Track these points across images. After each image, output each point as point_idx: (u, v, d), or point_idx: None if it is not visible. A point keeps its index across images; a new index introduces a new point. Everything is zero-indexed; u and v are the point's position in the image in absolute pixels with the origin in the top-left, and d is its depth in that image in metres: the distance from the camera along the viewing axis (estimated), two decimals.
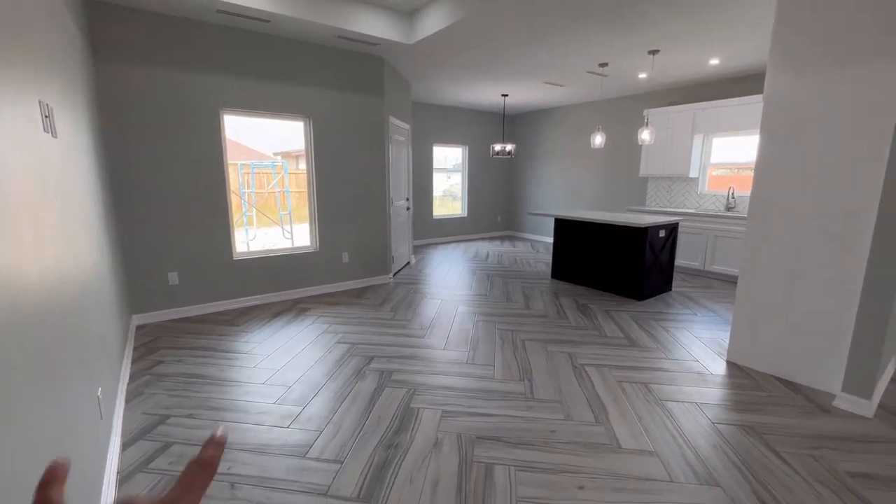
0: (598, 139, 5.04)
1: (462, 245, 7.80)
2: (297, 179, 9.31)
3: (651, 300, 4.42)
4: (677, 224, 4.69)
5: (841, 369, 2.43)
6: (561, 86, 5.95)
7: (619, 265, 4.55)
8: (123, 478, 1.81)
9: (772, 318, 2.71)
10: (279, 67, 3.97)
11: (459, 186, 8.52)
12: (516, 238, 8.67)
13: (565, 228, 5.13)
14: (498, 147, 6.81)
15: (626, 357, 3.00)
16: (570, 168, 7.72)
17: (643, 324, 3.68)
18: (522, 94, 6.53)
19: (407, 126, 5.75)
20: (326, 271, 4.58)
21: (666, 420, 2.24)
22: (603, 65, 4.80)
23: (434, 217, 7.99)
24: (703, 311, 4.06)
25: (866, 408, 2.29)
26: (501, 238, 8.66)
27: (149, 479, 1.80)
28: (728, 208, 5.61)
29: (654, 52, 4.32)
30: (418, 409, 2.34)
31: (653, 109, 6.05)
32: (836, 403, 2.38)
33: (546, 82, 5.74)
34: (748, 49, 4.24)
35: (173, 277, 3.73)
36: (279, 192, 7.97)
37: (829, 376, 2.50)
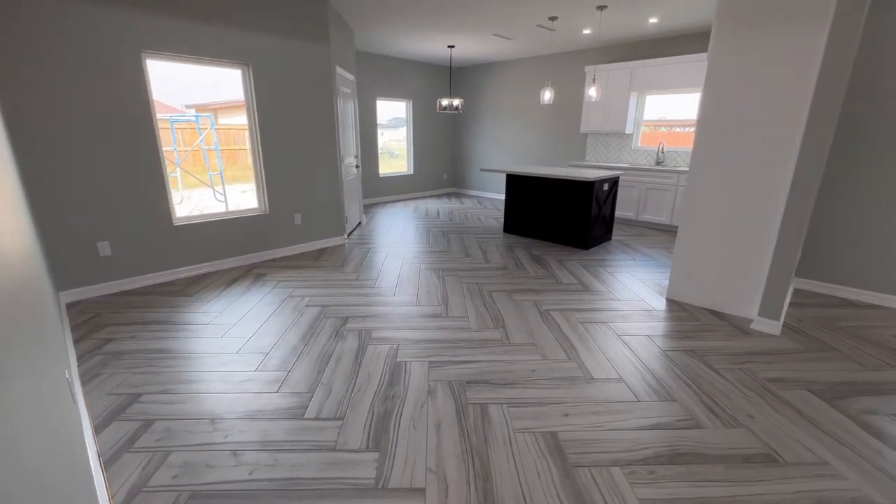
0: (548, 95, 5.15)
1: (411, 203, 7.74)
2: (224, 135, 8.45)
3: (596, 248, 4.81)
4: (618, 178, 5.05)
5: (757, 299, 2.90)
6: (509, 39, 5.90)
7: (567, 218, 4.85)
8: (108, 460, 1.71)
9: (705, 260, 3.11)
10: (212, 5, 3.49)
11: (396, 143, 8.30)
12: (463, 195, 8.77)
13: (516, 184, 5.30)
14: (445, 102, 6.69)
15: (584, 301, 3.30)
16: (516, 124, 7.83)
17: (593, 270, 4.02)
18: (469, 46, 6.38)
19: (352, 77, 5.41)
20: (279, 234, 4.35)
21: (625, 351, 2.55)
22: (552, 18, 4.83)
23: (380, 175, 7.78)
24: (641, 256, 4.52)
25: (775, 327, 2.78)
26: (448, 195, 8.71)
27: (138, 458, 1.72)
28: (658, 162, 6.13)
29: (601, 7, 4.42)
30: (405, 362, 2.42)
31: (592, 66, 6.25)
32: (753, 326, 2.85)
33: (495, 34, 5.65)
34: (686, 9, 4.49)
35: (104, 248, 3.33)
36: (206, 149, 7.21)
37: (747, 305, 2.98)
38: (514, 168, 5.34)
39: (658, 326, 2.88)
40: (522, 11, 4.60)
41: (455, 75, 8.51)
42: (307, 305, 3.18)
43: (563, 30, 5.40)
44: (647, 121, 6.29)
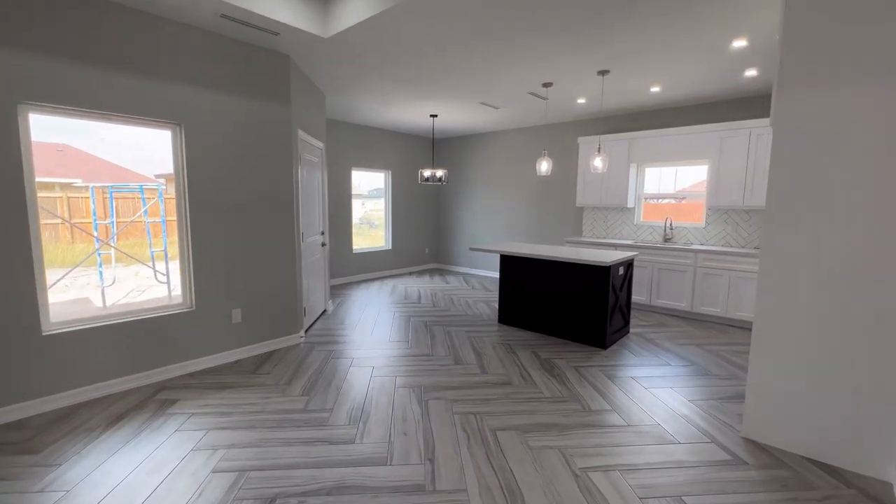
0: (545, 165, 4.53)
1: (388, 282, 6.79)
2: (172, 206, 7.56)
3: (614, 347, 3.89)
4: (633, 259, 4.29)
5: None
6: (497, 108, 5.44)
7: (578, 309, 3.96)
8: None
9: (798, 381, 2.21)
10: (130, 51, 2.75)
11: (376, 213, 7.57)
12: (447, 272, 7.92)
13: (513, 266, 4.47)
14: (427, 173, 6.06)
15: (629, 445, 2.29)
16: (504, 197, 7.25)
17: (623, 385, 3.05)
18: (453, 115, 5.91)
19: (321, 145, 4.71)
20: (208, 338, 3.28)
21: None
22: (547, 85, 4.34)
23: (354, 251, 6.90)
24: (674, 358, 3.60)
25: None
26: (430, 272, 7.83)
27: None
28: (666, 239, 5.48)
29: (603, 73, 3.95)
30: None
31: (587, 137, 5.81)
32: None
33: (482, 103, 5.17)
34: (689, 77, 4.07)
35: None
36: (150, 222, 6.25)
37: (879, 456, 2.03)
38: (509, 247, 4.54)
39: (760, 501, 1.87)
40: (516, 77, 4.10)
41: (438, 145, 8.07)
42: (216, 470, 2.06)
43: (556, 99, 4.96)
44: (649, 194, 5.74)
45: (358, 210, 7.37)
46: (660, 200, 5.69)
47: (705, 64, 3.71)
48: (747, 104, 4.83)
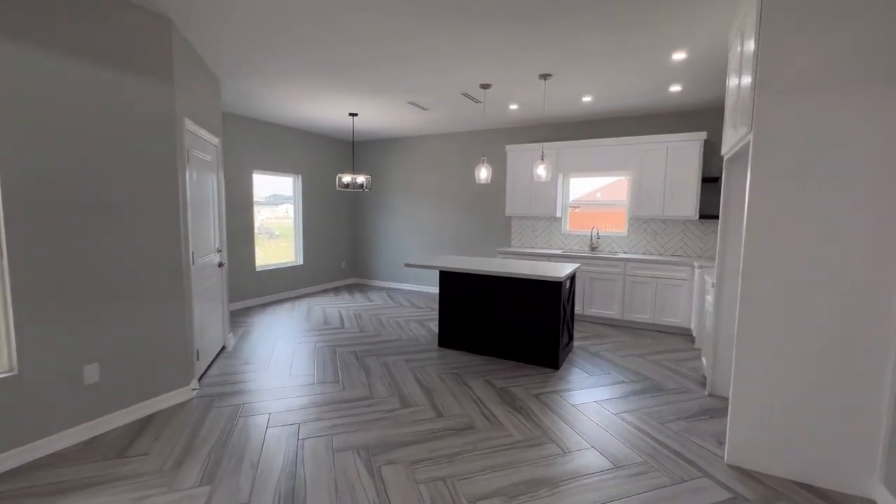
0: (484, 173, 4.20)
1: (301, 303, 5.88)
2: None
3: (565, 364, 3.67)
4: (576, 271, 4.16)
5: (874, 462, 1.94)
6: (425, 109, 5.00)
7: (528, 328, 3.67)
8: None
9: (780, 403, 2.11)
10: None
11: (275, 222, 6.60)
12: (368, 287, 7.21)
13: (454, 283, 4.04)
14: (347, 178, 5.37)
15: (631, 497, 1.97)
16: (430, 206, 6.82)
17: (591, 413, 2.79)
18: (376, 115, 5.32)
19: (216, 141, 3.78)
20: (41, 410, 2.24)
21: None
22: (485, 86, 4.03)
23: (258, 269, 5.86)
24: (623, 372, 3.49)
25: None
26: (350, 289, 7.05)
27: None
28: (592, 248, 5.55)
29: (545, 77, 3.75)
30: None
31: (515, 146, 5.68)
32: None
33: (411, 103, 4.69)
34: (622, 89, 4.09)
35: None
36: None
37: (860, 473, 1.99)
38: (450, 263, 4.10)
39: None
40: (453, 75, 3.71)
41: (359, 149, 7.36)
42: None
43: (489, 103, 4.69)
44: (574, 203, 5.79)
45: (256, 216, 6.30)
46: (578, 208, 5.77)
47: (638, 76, 3.71)
48: (667, 119, 5.09)
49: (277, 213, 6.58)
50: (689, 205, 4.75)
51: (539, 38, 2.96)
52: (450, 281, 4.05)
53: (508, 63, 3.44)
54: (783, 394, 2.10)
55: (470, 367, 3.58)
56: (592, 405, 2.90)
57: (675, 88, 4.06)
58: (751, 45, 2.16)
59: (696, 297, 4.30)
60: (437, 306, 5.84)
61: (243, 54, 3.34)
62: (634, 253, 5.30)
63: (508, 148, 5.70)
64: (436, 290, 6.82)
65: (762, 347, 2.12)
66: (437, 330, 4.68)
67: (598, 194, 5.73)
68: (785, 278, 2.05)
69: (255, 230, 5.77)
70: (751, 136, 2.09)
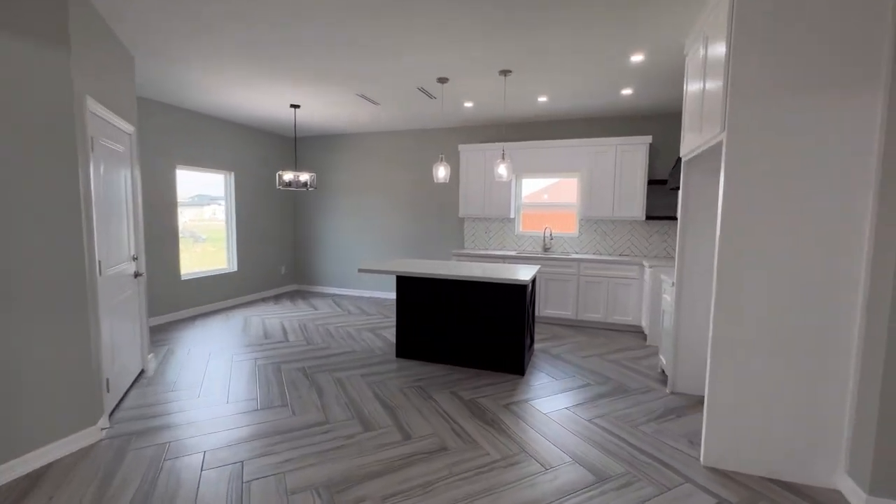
0: (442, 172, 4.00)
1: (237, 314, 5.28)
2: None
3: (529, 369, 3.57)
4: (537, 273, 4.09)
5: (839, 455, 2.00)
6: (377, 104, 4.69)
7: (492, 333, 3.52)
8: None
9: (753, 402, 2.13)
10: None
11: (201, 224, 5.93)
12: (312, 294, 6.69)
13: (412, 288, 3.78)
14: (289, 176, 4.90)
15: None
16: (379, 206, 6.47)
17: (564, 422, 2.69)
18: (322, 108, 4.90)
19: (130, 129, 3.20)
20: None
21: None
22: (443, 80, 3.83)
23: (183, 277, 5.17)
24: (586, 374, 3.47)
25: None
26: (291, 296, 6.50)
27: None
28: (545, 249, 5.58)
29: (505, 73, 3.63)
30: None
31: (468, 145, 5.55)
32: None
33: (361, 95, 4.36)
34: (577, 88, 4.10)
35: None
36: None
37: (828, 466, 2.04)
38: (408, 267, 3.83)
39: None
40: (410, 66, 3.46)
41: (303, 145, 6.81)
42: None
43: (444, 100, 4.50)
44: (526, 204, 5.79)
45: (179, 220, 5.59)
46: (522, 210, 5.78)
47: (595, 77, 3.72)
48: (614, 123, 5.22)
49: (203, 214, 5.89)
50: (636, 206, 4.90)
51: (504, 31, 2.82)
52: (408, 286, 3.78)
53: (470, 56, 3.27)
54: (756, 392, 2.11)
55: (433, 379, 3.35)
56: (564, 412, 2.80)
57: (627, 92, 4.15)
58: (719, 49, 2.16)
59: (647, 295, 4.42)
60: (389, 313, 5.54)
61: (163, 29, 2.84)
62: (586, 253, 5.39)
63: (462, 147, 5.56)
64: (386, 294, 6.50)
65: (736, 347, 2.13)
66: (393, 339, 4.39)
67: (546, 195, 5.77)
68: (758, 277, 2.06)
69: (179, 233, 5.08)
70: (724, 137, 2.09)
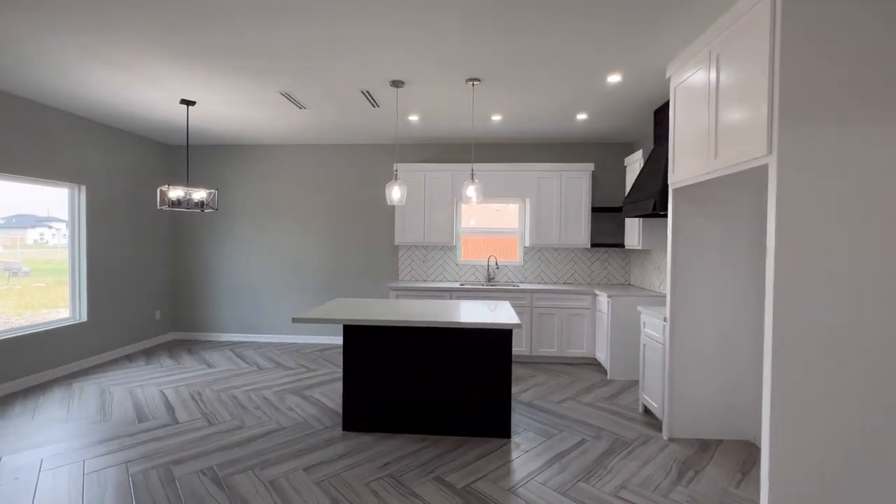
0: (397, 193, 3.28)
1: (85, 386, 3.71)
2: None
3: (514, 429, 3.00)
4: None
5: None
6: (303, 108, 3.81)
7: (473, 389, 2.87)
8: None
9: (826, 457, 1.86)
10: None
11: (24, 252, 4.26)
12: (199, 344, 5.22)
13: (365, 339, 2.95)
14: (177, 193, 3.69)
15: None
16: (296, 232, 5.40)
17: (588, 498, 2.16)
18: (225, 106, 3.83)
19: None
20: None
21: None
22: (397, 83, 3.18)
23: (2, 337, 3.48)
24: (573, 425, 3.03)
25: None
26: (171, 349, 4.96)
27: None
28: (489, 279, 5.16)
29: (473, 82, 3.15)
30: None
31: (407, 165, 4.93)
32: None
33: (284, 94, 3.46)
34: (534, 109, 3.82)
35: None
36: None
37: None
38: (364, 313, 2.99)
39: None
40: (363, 58, 2.76)
41: (199, 154, 5.37)
42: None
43: (387, 110, 3.84)
44: (471, 230, 5.34)
45: None
46: (462, 235, 5.36)
47: (559, 96, 3.47)
48: (562, 149, 5.11)
49: (25, 239, 4.19)
50: (582, 233, 4.79)
51: (489, 24, 2.33)
52: (359, 336, 2.94)
53: (438, 55, 2.71)
54: (826, 445, 1.85)
55: (404, 459, 2.55)
56: (583, 489, 2.27)
57: (582, 117, 4.01)
58: (746, 68, 1.97)
59: (605, 326, 4.23)
60: (312, 363, 4.50)
61: None
62: (531, 283, 5.11)
63: (400, 167, 4.90)
64: (301, 339, 5.38)
65: (802, 400, 1.85)
66: (329, 402, 3.44)
67: (484, 223, 5.40)
68: (820, 318, 1.82)
69: None
70: (773, 160, 1.85)
